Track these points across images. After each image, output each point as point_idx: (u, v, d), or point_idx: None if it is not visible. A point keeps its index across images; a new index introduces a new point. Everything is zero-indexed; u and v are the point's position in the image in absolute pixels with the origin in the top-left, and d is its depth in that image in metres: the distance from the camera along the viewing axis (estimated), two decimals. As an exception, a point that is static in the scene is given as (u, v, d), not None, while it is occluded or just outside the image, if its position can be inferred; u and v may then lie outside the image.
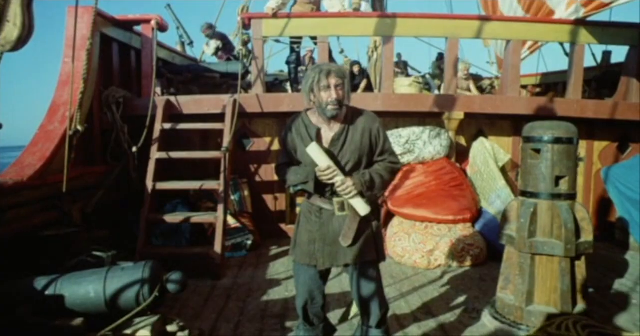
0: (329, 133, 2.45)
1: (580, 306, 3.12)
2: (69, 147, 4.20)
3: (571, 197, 3.12)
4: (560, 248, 3.03)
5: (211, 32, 8.05)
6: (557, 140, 3.07)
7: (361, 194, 2.34)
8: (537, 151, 3.15)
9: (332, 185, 2.38)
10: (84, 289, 2.40)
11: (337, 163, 2.37)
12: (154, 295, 2.39)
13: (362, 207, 2.34)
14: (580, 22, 5.49)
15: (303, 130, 2.47)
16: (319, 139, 2.44)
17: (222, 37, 8.14)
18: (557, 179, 3.11)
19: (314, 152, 2.31)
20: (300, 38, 6.94)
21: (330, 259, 2.47)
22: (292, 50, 7.68)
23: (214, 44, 7.83)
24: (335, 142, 2.41)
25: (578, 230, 3.10)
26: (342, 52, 10.40)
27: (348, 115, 2.45)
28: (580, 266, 3.15)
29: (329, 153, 2.37)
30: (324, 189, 2.44)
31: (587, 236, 3.11)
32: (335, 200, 2.42)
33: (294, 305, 2.82)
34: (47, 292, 2.39)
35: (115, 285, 2.40)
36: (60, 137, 4.16)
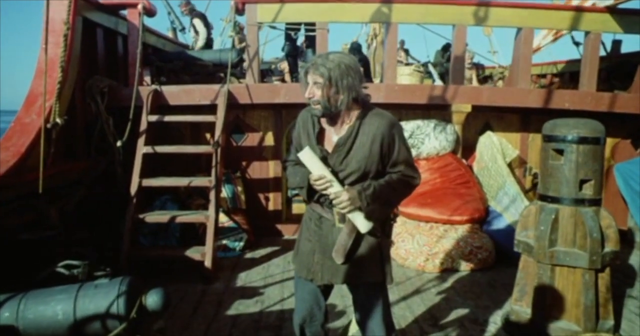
0: (334, 136, 2.11)
1: (604, 322, 2.86)
2: (47, 142, 3.89)
3: (596, 202, 2.84)
4: (584, 260, 2.75)
5: (189, 8, 7.60)
6: (582, 140, 2.78)
7: (360, 209, 2.00)
8: (560, 151, 2.86)
9: None
10: (51, 310, 2.11)
11: (336, 172, 2.06)
12: (131, 316, 2.10)
13: (361, 223, 2.01)
14: (596, 9, 5.17)
15: (310, 127, 2.16)
16: (320, 141, 2.12)
17: (202, 18, 7.68)
18: (581, 183, 2.83)
19: (306, 158, 2.00)
20: (299, 25, 6.53)
21: (329, 274, 2.17)
22: (287, 38, 7.27)
23: (202, 32, 7.38)
24: (340, 148, 2.07)
25: (602, 238, 2.82)
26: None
27: (361, 117, 2.07)
28: (604, 278, 2.88)
29: (325, 159, 2.05)
30: (322, 196, 2.12)
31: (613, 245, 2.84)
32: (336, 209, 2.11)
33: (291, 316, 2.54)
34: (7, 313, 2.10)
35: (87, 305, 2.10)
36: (37, 130, 3.81)
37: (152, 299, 2.18)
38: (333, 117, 2.08)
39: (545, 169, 2.95)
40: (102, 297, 2.13)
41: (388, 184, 2.06)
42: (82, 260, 2.96)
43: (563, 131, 2.83)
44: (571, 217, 2.82)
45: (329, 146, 2.12)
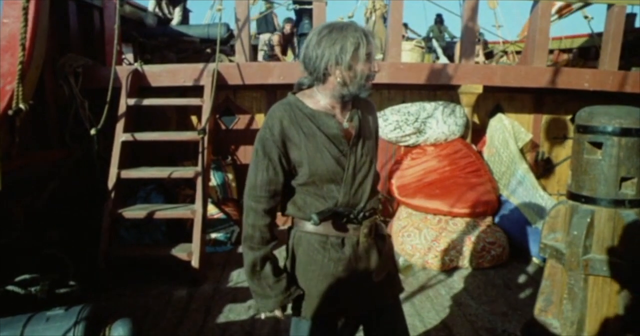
0: (345, 124, 1.70)
1: (644, 339, 2.51)
2: (11, 130, 3.49)
3: (638, 203, 2.45)
4: (624, 270, 2.39)
5: None
6: (625, 132, 2.36)
7: None
8: (597, 145, 2.45)
9: (359, 203, 1.71)
10: (-8, 349, 1.75)
11: (356, 171, 1.69)
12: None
13: None
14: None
15: (307, 123, 1.64)
16: (347, 135, 1.67)
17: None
18: (622, 181, 2.43)
19: None
20: None
21: (366, 301, 1.78)
22: (296, 13, 6.69)
23: (178, 12, 6.83)
24: (357, 137, 1.70)
25: (645, 244, 2.45)
26: None
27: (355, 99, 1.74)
28: (645, 289, 2.52)
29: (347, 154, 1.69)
30: (351, 211, 1.70)
31: (657, 252, 2.46)
32: (366, 223, 1.72)
33: (286, 326, 2.19)
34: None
35: (36, 342, 1.74)
36: (-1, 117, 3.40)
37: (118, 333, 1.80)
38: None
39: (578, 165, 2.54)
40: (54, 332, 1.75)
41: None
42: (51, 267, 2.59)
43: (602, 121, 2.41)
44: (609, 220, 2.44)
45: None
